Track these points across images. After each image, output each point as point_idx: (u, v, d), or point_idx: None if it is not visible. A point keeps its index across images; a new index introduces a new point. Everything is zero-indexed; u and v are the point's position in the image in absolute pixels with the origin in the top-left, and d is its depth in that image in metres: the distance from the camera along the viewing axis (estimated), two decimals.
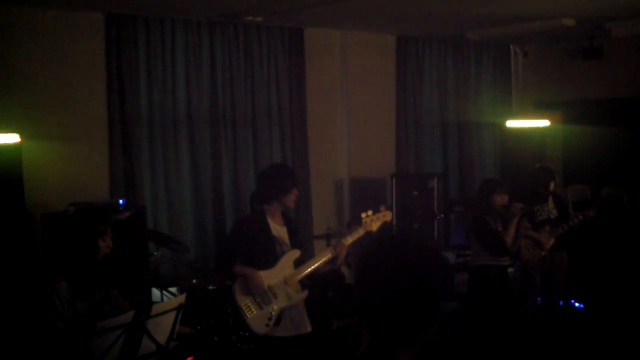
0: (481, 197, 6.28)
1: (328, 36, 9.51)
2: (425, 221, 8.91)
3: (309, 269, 5.18)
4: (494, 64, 11.24)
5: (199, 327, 6.22)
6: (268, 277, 5.09)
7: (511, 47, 11.46)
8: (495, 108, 11.12)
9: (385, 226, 5.43)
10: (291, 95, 9.07)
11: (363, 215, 5.35)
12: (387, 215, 5.41)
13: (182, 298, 4.42)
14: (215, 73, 8.45)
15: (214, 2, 7.39)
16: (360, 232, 5.31)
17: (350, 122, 9.72)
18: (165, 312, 4.22)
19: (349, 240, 5.27)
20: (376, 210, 5.39)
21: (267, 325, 5.04)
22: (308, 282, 5.38)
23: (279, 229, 5.22)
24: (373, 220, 5.32)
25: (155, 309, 4.15)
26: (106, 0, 7.25)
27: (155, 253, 7.04)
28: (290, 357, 5.17)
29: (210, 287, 6.51)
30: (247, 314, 5.06)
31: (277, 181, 5.16)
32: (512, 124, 10.51)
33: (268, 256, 5.13)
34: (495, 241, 6.18)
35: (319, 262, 5.21)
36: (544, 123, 10.29)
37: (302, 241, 5.53)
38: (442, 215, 8.99)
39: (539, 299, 7.65)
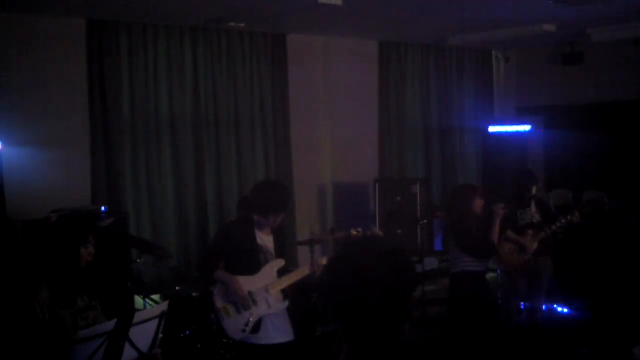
0: (461, 204, 6.22)
1: (311, 42, 9.52)
2: (409, 226, 8.91)
3: (289, 282, 5.19)
4: (476, 69, 11.31)
5: (182, 335, 6.20)
6: (250, 284, 5.09)
7: (493, 52, 11.54)
8: (478, 113, 11.19)
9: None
10: (274, 101, 9.07)
11: (353, 232, 5.32)
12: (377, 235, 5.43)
13: (164, 306, 4.39)
14: (198, 79, 8.43)
15: (197, 8, 7.38)
16: None
17: (333, 127, 9.73)
18: (148, 320, 4.20)
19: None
20: (366, 228, 5.38)
21: (244, 331, 5.04)
22: (291, 289, 5.37)
23: (265, 238, 5.22)
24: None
25: (138, 317, 4.12)
26: (88, 6, 7.21)
27: (139, 260, 7.01)
28: None
29: (194, 294, 6.48)
30: (225, 318, 5.07)
31: (271, 201, 5.15)
32: (494, 129, 10.56)
33: (251, 263, 5.13)
34: (483, 245, 6.16)
35: (297, 277, 5.23)
36: (526, 128, 10.35)
37: (286, 251, 5.51)
38: (426, 221, 9.00)
39: (523, 303, 7.66)
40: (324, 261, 5.19)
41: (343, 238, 5.39)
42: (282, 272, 5.21)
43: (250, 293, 5.06)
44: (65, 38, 7.62)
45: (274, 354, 5.14)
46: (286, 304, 5.22)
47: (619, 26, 8.99)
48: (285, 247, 5.43)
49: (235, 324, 5.06)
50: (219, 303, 5.11)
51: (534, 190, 7.41)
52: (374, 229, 5.39)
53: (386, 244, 2.10)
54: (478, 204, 6.15)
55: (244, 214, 6.36)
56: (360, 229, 5.33)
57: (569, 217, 7.09)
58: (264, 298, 5.08)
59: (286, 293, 5.25)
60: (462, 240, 6.16)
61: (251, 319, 5.04)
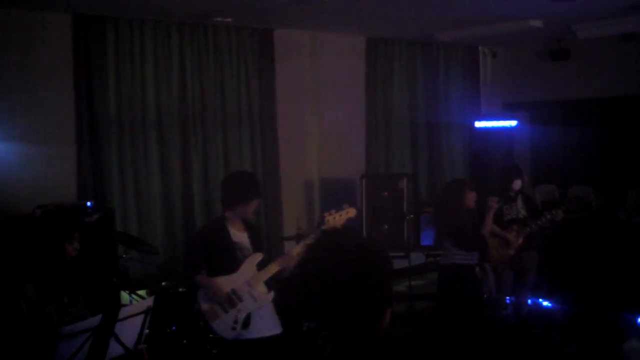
0: (453, 197, 6.26)
1: (298, 37, 9.51)
2: (395, 222, 8.93)
3: (269, 274, 5.17)
4: (463, 64, 11.33)
5: (168, 330, 6.18)
6: (231, 282, 5.10)
7: (480, 48, 11.56)
8: (464, 108, 11.21)
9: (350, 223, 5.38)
10: (261, 96, 9.06)
11: (326, 214, 5.29)
12: (350, 212, 5.32)
13: (150, 301, 4.39)
14: (185, 74, 8.41)
15: (183, 3, 7.35)
16: None
17: (320, 122, 9.73)
18: (134, 315, 4.19)
19: (304, 246, 5.18)
20: (339, 208, 5.37)
21: (234, 328, 5.05)
22: (278, 284, 5.37)
23: (239, 235, 5.22)
24: (336, 219, 5.24)
25: (123, 312, 4.12)
26: (74, 0, 7.17)
27: (125, 255, 6.99)
28: (261, 358, 5.17)
29: (181, 290, 6.47)
30: (213, 320, 5.07)
31: (240, 189, 5.15)
32: (480, 124, 10.59)
33: (229, 262, 5.13)
34: (474, 237, 6.23)
35: (276, 268, 5.17)
36: (512, 123, 10.38)
37: (263, 245, 5.50)
38: (412, 216, 9.02)
39: (508, 298, 7.70)
40: (295, 252, 5.17)
41: (313, 232, 5.39)
42: (261, 265, 5.20)
43: (233, 291, 5.07)
44: (51, 32, 7.57)
45: (264, 348, 5.16)
46: (271, 295, 5.23)
47: (604, 22, 9.03)
48: (261, 241, 5.43)
49: (224, 324, 5.06)
50: (204, 306, 5.11)
51: (517, 183, 7.42)
52: (346, 207, 5.35)
53: (351, 237, 2.08)
54: (470, 198, 6.21)
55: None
56: (333, 210, 5.29)
57: (554, 212, 7.14)
58: (249, 293, 5.09)
59: (270, 285, 5.26)
60: (454, 234, 6.21)
61: (239, 316, 5.05)
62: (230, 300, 5.06)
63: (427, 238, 9.24)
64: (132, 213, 8.10)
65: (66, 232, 4.27)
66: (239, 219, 5.24)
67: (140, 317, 4.25)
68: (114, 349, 4.07)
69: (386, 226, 8.85)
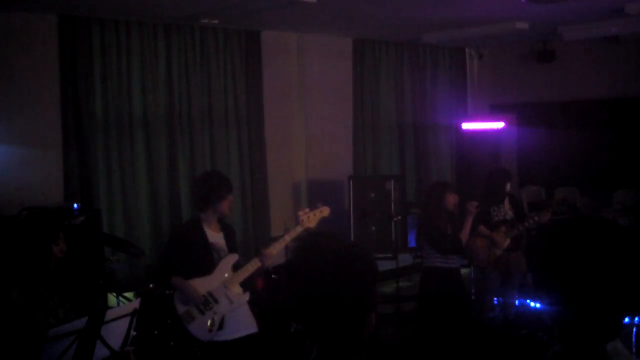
0: (433, 199, 6.29)
1: (285, 39, 9.51)
2: (383, 223, 8.95)
3: (245, 275, 5.22)
4: (450, 66, 11.37)
5: (155, 332, 6.17)
6: (207, 283, 5.12)
7: (466, 50, 11.60)
8: (451, 110, 11.25)
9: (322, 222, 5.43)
10: (248, 98, 9.06)
11: (300, 213, 5.37)
12: (324, 211, 5.41)
13: (136, 303, 4.38)
14: (172, 76, 8.39)
15: (170, 4, 7.34)
16: (297, 231, 5.31)
17: (307, 124, 9.74)
18: (120, 317, 4.18)
19: (283, 243, 5.28)
20: (313, 207, 5.40)
21: (210, 330, 5.07)
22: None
23: (215, 236, 5.25)
24: (310, 218, 5.32)
25: (110, 315, 4.10)
26: (60, 2, 7.14)
27: (111, 257, 6.96)
28: (239, 358, 5.19)
29: (168, 292, 6.45)
30: (190, 322, 5.09)
31: (211, 188, 5.16)
32: (467, 125, 10.63)
33: (205, 263, 5.16)
34: (448, 241, 6.22)
35: (252, 270, 5.22)
36: (499, 125, 10.42)
37: (237, 246, 5.53)
38: (399, 217, 9.03)
39: (495, 299, 7.72)
40: (271, 251, 5.21)
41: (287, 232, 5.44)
42: (237, 267, 5.23)
43: (209, 292, 5.09)
44: (37, 34, 7.53)
45: (240, 347, 5.19)
46: (247, 296, 5.26)
47: (589, 25, 9.09)
48: (235, 242, 5.45)
49: (200, 326, 5.10)
50: (181, 309, 5.14)
51: (507, 186, 7.47)
52: (320, 206, 5.41)
53: (336, 240, 2.07)
54: (450, 200, 6.22)
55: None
56: (307, 209, 5.37)
57: (540, 214, 7.16)
58: (224, 294, 5.13)
59: (246, 286, 5.27)
60: (429, 236, 6.24)
61: (215, 317, 5.08)
62: (206, 302, 5.08)
63: (414, 239, 9.25)
64: (119, 215, 8.07)
65: (50, 233, 4.25)
66: (214, 219, 5.26)
67: (127, 320, 4.24)
68: (101, 351, 4.05)
69: (374, 227, 8.86)
